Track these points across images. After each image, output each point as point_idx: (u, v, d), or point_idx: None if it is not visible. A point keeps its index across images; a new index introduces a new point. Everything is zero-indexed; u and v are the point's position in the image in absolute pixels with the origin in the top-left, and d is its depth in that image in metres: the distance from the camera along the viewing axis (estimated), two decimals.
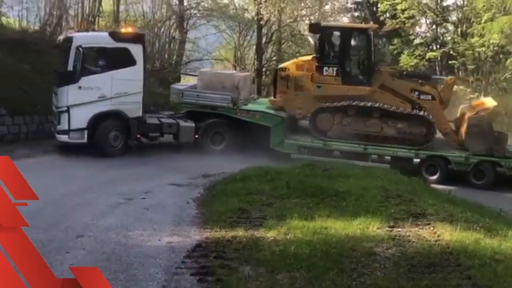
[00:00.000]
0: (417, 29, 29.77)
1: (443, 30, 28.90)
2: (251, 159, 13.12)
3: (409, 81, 16.25)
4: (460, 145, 15.69)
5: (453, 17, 28.50)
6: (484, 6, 24.61)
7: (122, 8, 25.22)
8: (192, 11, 27.28)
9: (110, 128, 14.36)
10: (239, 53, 28.72)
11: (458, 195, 11.99)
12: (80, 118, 14.04)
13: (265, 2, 25.61)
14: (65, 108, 14.05)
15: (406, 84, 16.06)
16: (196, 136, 15.66)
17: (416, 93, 15.90)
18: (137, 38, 14.98)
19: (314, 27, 17.42)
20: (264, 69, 27.91)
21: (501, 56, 25.58)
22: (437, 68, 27.60)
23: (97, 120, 14.18)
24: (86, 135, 14.12)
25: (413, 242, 7.46)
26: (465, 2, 27.23)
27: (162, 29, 25.51)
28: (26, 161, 12.76)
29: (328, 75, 15.89)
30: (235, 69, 26.39)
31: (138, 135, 15.02)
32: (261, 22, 26.90)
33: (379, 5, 28.77)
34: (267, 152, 14.93)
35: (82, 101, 14.03)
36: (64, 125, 14.07)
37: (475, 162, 15.08)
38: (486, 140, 15.14)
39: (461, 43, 26.06)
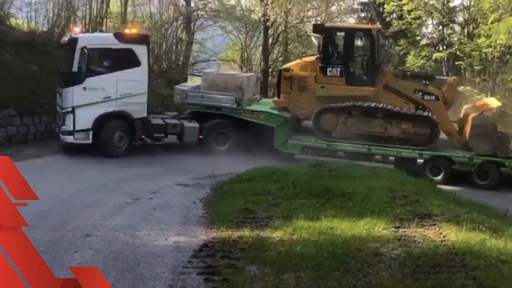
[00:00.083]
0: (424, 29, 29.73)
1: (449, 31, 28.78)
2: (255, 159, 13.17)
3: (413, 82, 16.25)
4: (464, 145, 15.66)
5: (460, 18, 28.42)
6: (491, 6, 24.53)
7: (129, 9, 25.41)
8: (199, 12, 27.37)
9: (115, 129, 14.38)
10: (246, 54, 28.79)
11: (464, 196, 11.97)
12: (85, 119, 14.06)
13: (272, 3, 25.61)
14: (70, 109, 14.05)
15: (410, 85, 16.04)
16: (201, 136, 15.66)
17: (420, 93, 15.89)
18: (142, 39, 15.02)
19: (318, 28, 17.38)
20: (270, 70, 27.91)
21: (508, 56, 25.45)
22: (443, 69, 27.50)
23: (102, 121, 14.21)
24: (90, 136, 14.13)
25: (419, 242, 7.48)
26: (472, 3, 27.12)
27: (169, 30, 25.62)
28: (34, 161, 12.95)
29: (332, 76, 15.89)
30: (241, 70, 26.43)
31: (143, 136, 15.04)
32: (268, 23, 26.90)
33: (385, 6, 28.70)
34: (271, 153, 14.94)
35: (87, 102, 14.05)
36: (69, 126, 14.08)
37: (479, 163, 15.04)
38: (490, 140, 15.10)
39: (467, 44, 25.94)
